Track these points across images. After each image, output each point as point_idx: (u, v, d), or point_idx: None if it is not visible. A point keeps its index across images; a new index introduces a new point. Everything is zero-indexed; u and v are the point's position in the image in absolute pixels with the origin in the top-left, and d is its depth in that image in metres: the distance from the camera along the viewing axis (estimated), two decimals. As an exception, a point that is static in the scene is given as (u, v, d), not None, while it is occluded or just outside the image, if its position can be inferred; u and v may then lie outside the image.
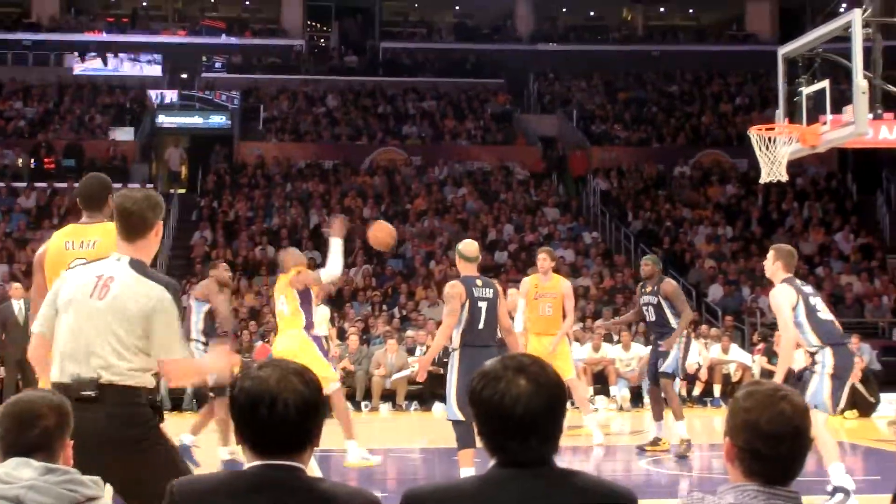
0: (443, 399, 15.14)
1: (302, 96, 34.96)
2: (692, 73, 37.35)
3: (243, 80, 35.86)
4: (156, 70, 36.11)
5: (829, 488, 9.00)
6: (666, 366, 12.71)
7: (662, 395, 13.01)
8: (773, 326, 18.19)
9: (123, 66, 35.99)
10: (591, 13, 42.19)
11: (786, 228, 27.98)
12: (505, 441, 2.95)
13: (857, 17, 11.11)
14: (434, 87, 35.97)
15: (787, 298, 9.32)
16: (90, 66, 35.67)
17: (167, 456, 4.75)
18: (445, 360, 14.12)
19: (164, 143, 33.32)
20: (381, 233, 10.52)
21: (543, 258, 13.26)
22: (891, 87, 11.66)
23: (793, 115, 12.21)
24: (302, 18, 39.43)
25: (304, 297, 10.65)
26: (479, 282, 9.54)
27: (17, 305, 15.93)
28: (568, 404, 12.13)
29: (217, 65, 36.85)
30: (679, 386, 13.73)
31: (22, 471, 3.43)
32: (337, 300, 22.39)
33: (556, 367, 11.21)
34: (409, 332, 20.96)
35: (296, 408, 3.07)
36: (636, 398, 19.70)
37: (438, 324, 13.57)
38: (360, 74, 37.05)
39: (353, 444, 10.78)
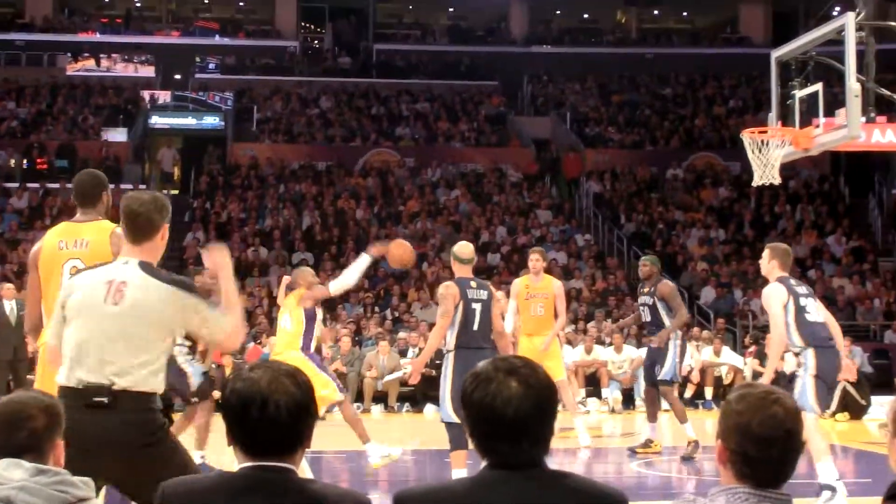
0: (434, 401, 15.14)
1: (295, 97, 34.95)
2: (686, 76, 37.39)
3: (237, 81, 35.84)
4: (149, 71, 36.10)
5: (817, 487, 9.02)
6: (664, 373, 12.68)
7: (662, 398, 13.01)
8: (764, 329, 18.20)
9: (117, 67, 35.96)
10: (585, 16, 42.22)
11: (778, 231, 28.01)
12: (496, 443, 2.95)
13: (850, 20, 11.12)
14: (428, 89, 35.98)
15: (778, 297, 9.38)
16: (83, 67, 35.64)
17: (181, 457, 4.75)
18: (438, 361, 14.14)
19: (157, 143, 33.28)
20: (399, 250, 10.47)
21: (536, 259, 13.24)
22: (884, 91, 11.67)
23: (786, 118, 12.22)
24: (296, 20, 39.42)
25: (310, 318, 10.70)
26: (473, 283, 9.53)
27: (9, 306, 15.87)
28: (560, 406, 12.11)
29: (210, 66, 36.84)
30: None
31: (13, 472, 3.42)
32: (329, 302, 22.36)
33: (547, 367, 11.17)
34: (402, 334, 20.95)
35: (287, 409, 3.07)
36: (628, 400, 19.71)
37: (431, 325, 13.59)
38: (354, 76, 37.06)
39: (371, 445, 10.76)
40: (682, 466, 12.35)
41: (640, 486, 11.13)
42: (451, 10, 41.45)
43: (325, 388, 10.32)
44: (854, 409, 17.54)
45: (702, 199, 30.08)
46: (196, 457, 10.93)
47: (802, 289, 9.64)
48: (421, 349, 17.01)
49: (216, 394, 11.52)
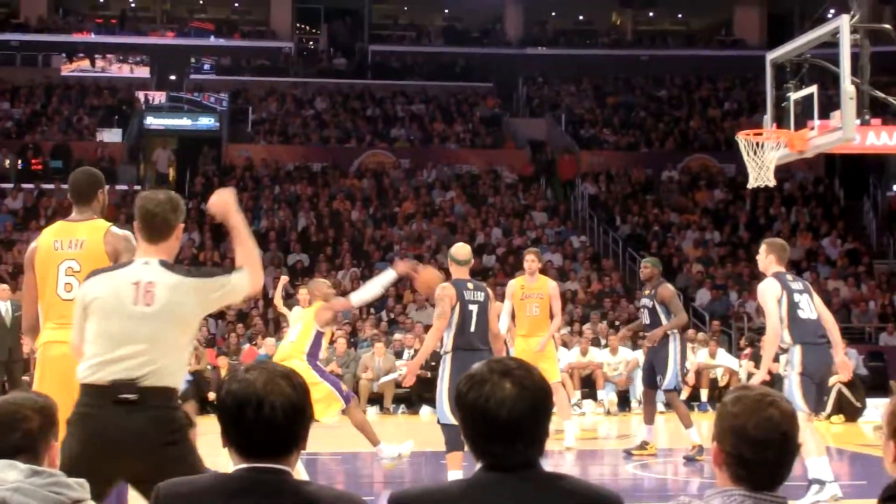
0: (430, 402, 15.15)
1: (290, 98, 34.93)
2: (681, 78, 37.40)
3: (232, 81, 35.81)
4: (144, 71, 36.05)
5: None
6: (668, 383, 12.66)
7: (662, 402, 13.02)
8: (759, 331, 18.22)
9: (112, 68, 35.92)
10: (581, 17, 42.23)
11: (773, 233, 27.98)
12: (490, 444, 2.95)
13: (844, 22, 11.14)
14: (423, 91, 35.97)
15: (772, 292, 9.44)
16: (78, 67, 35.60)
17: (195, 458, 4.78)
18: (434, 363, 14.14)
19: (152, 144, 33.24)
20: (430, 276, 10.42)
21: (531, 259, 13.24)
22: (878, 93, 11.69)
23: (781, 121, 12.23)
24: (291, 20, 39.40)
25: (320, 331, 10.72)
26: (470, 285, 9.53)
27: (4, 307, 15.84)
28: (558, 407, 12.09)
29: (206, 66, 36.80)
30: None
31: (7, 473, 3.41)
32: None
33: (542, 369, 11.17)
34: (397, 336, 20.95)
35: (283, 410, 3.07)
36: (623, 402, 19.72)
37: (427, 327, 13.59)
38: (349, 77, 37.05)
39: (382, 446, 10.76)
40: (677, 468, 12.36)
41: (636, 488, 11.14)
42: (446, 11, 41.44)
43: (324, 402, 10.36)
44: (849, 411, 17.56)
45: (697, 201, 30.10)
46: None
47: (798, 285, 9.65)
48: (416, 350, 17.01)
49: (211, 395, 11.53)
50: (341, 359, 19.56)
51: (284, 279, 17.48)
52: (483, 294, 9.51)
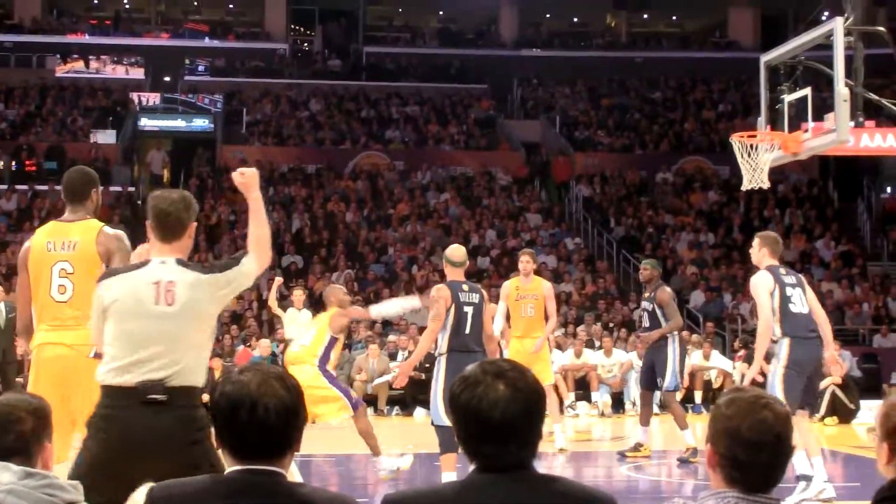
0: (424, 404, 15.14)
1: (285, 100, 34.92)
2: (675, 80, 37.43)
3: (226, 83, 35.80)
4: (138, 73, 36.03)
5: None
6: (667, 384, 12.65)
7: (660, 402, 13.01)
8: (753, 333, 18.22)
9: (106, 69, 35.90)
10: (575, 19, 42.27)
11: (767, 235, 27.99)
12: (483, 445, 2.95)
13: (838, 25, 11.14)
14: (417, 92, 35.98)
15: (765, 285, 9.50)
16: (72, 69, 35.57)
17: (216, 458, 4.77)
18: (427, 365, 14.14)
19: (147, 145, 33.23)
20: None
21: (526, 260, 13.24)
22: (872, 96, 11.70)
23: (775, 123, 12.23)
24: (285, 22, 39.40)
25: (333, 338, 10.74)
26: (465, 286, 9.52)
27: (-3, 307, 15.79)
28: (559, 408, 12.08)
29: (200, 68, 36.78)
30: (660, 394, 13.71)
31: (1, 475, 3.41)
32: (319, 305, 22.33)
33: (536, 371, 11.17)
34: (391, 337, 20.94)
35: (276, 412, 3.07)
36: (617, 404, 19.72)
37: (421, 329, 13.59)
38: (344, 79, 37.05)
39: (382, 458, 10.77)
40: (671, 470, 12.36)
41: (630, 489, 11.14)
42: (440, 13, 41.47)
43: (333, 405, 10.43)
44: (843, 413, 17.56)
45: (691, 203, 30.12)
46: None
47: (791, 279, 9.69)
48: (411, 352, 17.01)
49: (205, 397, 11.49)
50: (335, 360, 19.51)
51: (278, 281, 17.52)
52: (478, 296, 9.50)
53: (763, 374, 9.76)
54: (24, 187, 28.27)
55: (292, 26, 40.41)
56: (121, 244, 6.16)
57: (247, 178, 5.13)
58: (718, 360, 20.31)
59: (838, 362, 10.04)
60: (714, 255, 27.26)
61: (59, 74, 35.19)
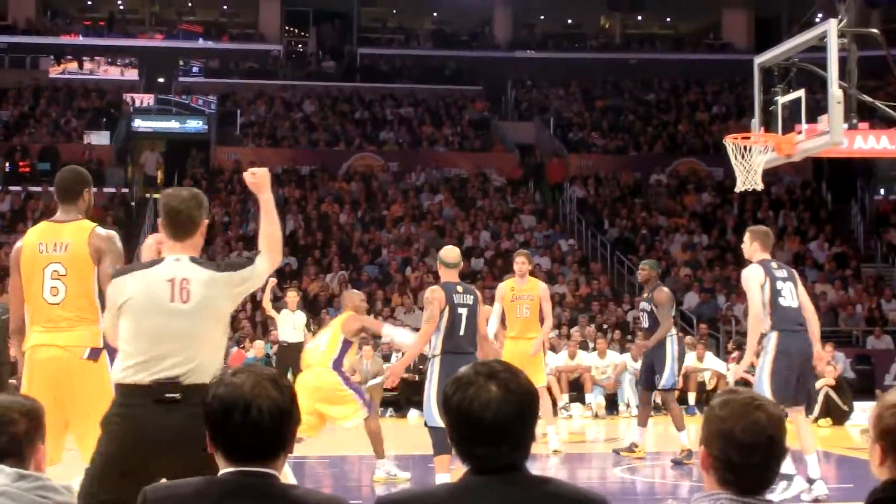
0: (418, 406, 15.14)
1: (279, 101, 34.91)
2: (669, 82, 37.47)
3: (220, 84, 35.77)
4: (132, 74, 36.00)
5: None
6: (665, 382, 12.64)
7: (658, 402, 13.00)
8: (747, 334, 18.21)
9: (100, 70, 35.86)
10: (569, 21, 42.28)
11: (761, 237, 28.00)
12: (476, 447, 2.94)
13: (832, 27, 11.16)
14: (412, 94, 35.99)
15: (756, 277, 9.56)
16: (66, 70, 35.53)
17: None
18: (422, 367, 14.13)
19: (141, 147, 33.21)
20: None
21: (522, 261, 13.24)
22: (866, 97, 11.72)
23: (768, 125, 12.25)
24: (280, 23, 39.38)
25: (346, 343, 10.76)
26: (459, 288, 9.50)
27: (-9, 309, 15.74)
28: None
29: (194, 69, 36.76)
30: (654, 395, 13.70)
31: (-7, 477, 3.40)
32: (313, 306, 22.36)
33: (529, 372, 11.12)
34: (385, 339, 20.91)
35: (269, 414, 3.06)
36: (611, 405, 19.72)
37: (415, 330, 13.55)
38: (338, 80, 37.05)
39: (382, 462, 10.78)
40: (665, 472, 12.36)
41: (624, 491, 11.15)
42: (434, 14, 41.46)
43: (348, 406, 10.46)
44: (836, 414, 17.58)
45: (685, 205, 30.14)
46: None
47: (782, 272, 9.73)
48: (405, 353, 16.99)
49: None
50: (329, 362, 19.50)
51: (272, 282, 17.50)
52: (472, 297, 9.49)
53: (753, 367, 9.80)
54: (18, 188, 28.24)
55: (286, 28, 40.40)
56: (112, 245, 6.14)
57: (258, 178, 5.20)
58: (712, 362, 20.32)
59: (824, 358, 10.07)
60: (708, 257, 27.28)
61: (53, 75, 35.16)
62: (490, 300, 14.10)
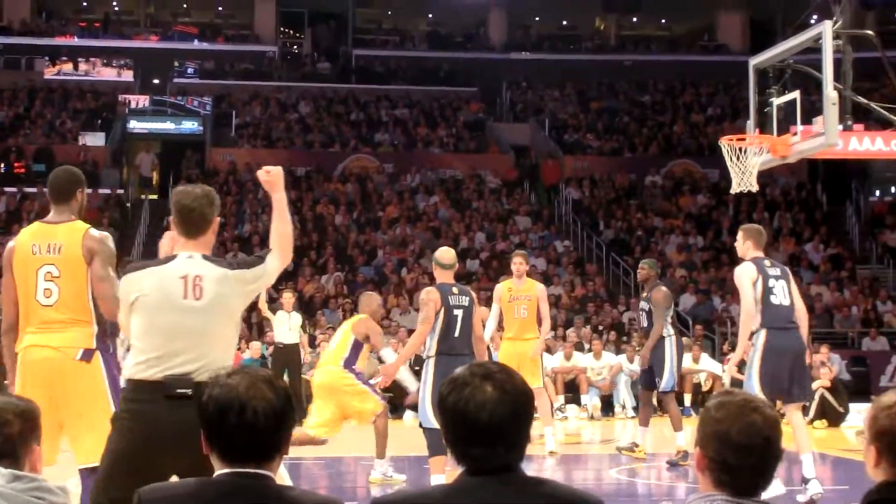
0: (413, 407, 15.14)
1: (274, 103, 34.90)
2: (664, 83, 37.49)
3: (215, 85, 35.75)
4: (127, 75, 35.98)
5: None
6: (664, 384, 12.62)
7: (656, 401, 12.99)
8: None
9: (95, 71, 35.83)
10: (564, 22, 42.31)
11: (756, 238, 28.00)
12: (471, 447, 2.94)
13: (827, 28, 11.17)
14: (407, 95, 35.98)
15: (748, 274, 9.61)
16: (61, 71, 35.50)
17: None
18: (417, 368, 14.12)
19: (136, 148, 33.19)
20: None
21: (519, 262, 13.24)
22: (861, 99, 11.72)
23: (763, 126, 12.26)
24: (275, 25, 39.37)
25: (358, 343, 10.82)
26: (455, 289, 9.50)
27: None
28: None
29: (189, 70, 36.74)
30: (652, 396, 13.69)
31: (-12, 478, 3.39)
32: (308, 308, 22.34)
33: (526, 373, 11.14)
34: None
35: (265, 415, 3.06)
36: (607, 407, 19.72)
37: (411, 332, 13.59)
38: (333, 81, 37.05)
39: (380, 462, 10.79)
40: (661, 473, 12.36)
41: (619, 492, 11.14)
42: (430, 16, 41.47)
43: (367, 402, 10.55)
44: (832, 416, 17.59)
45: (680, 206, 30.15)
46: None
47: (775, 270, 9.77)
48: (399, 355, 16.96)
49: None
50: (325, 363, 19.49)
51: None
52: (468, 298, 9.49)
53: (744, 362, 9.83)
54: (13, 189, 28.22)
55: (282, 29, 40.39)
56: (104, 246, 6.13)
57: (272, 177, 5.26)
58: (708, 363, 20.34)
59: (809, 355, 10.11)
60: (703, 258, 27.29)
61: (48, 76, 35.13)
62: (485, 302, 14.10)
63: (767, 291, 9.54)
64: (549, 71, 37.38)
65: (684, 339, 20.94)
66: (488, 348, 12.27)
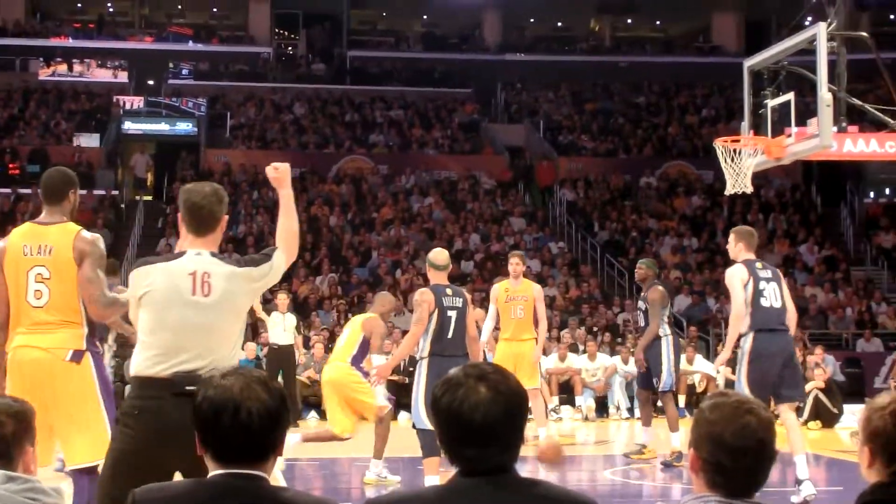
0: (407, 408, 15.16)
1: (269, 104, 34.88)
2: (659, 85, 37.51)
3: (210, 87, 35.73)
4: (122, 76, 35.94)
5: None
6: (663, 384, 12.62)
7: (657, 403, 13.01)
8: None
9: (89, 72, 35.79)
10: (559, 24, 42.33)
11: (751, 240, 28.02)
12: (465, 448, 2.94)
13: (821, 30, 11.18)
14: (401, 96, 35.99)
15: (739, 277, 9.68)
16: (56, 72, 35.46)
17: None
18: (411, 369, 14.12)
19: (130, 149, 33.15)
20: (552, 453, 10.21)
21: (516, 262, 13.26)
22: (855, 101, 11.74)
23: (758, 128, 12.27)
24: (269, 26, 39.35)
25: (365, 340, 10.87)
26: (448, 290, 9.51)
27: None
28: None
29: (184, 71, 36.71)
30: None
31: (-18, 479, 3.38)
32: (303, 309, 22.33)
33: (524, 373, 11.12)
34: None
35: (259, 416, 3.06)
36: (601, 408, 19.72)
37: (405, 333, 13.58)
38: (328, 82, 37.04)
39: (376, 462, 10.80)
40: (655, 474, 12.36)
41: (613, 493, 11.14)
42: (424, 17, 41.48)
43: (373, 398, 10.67)
44: (826, 417, 17.61)
45: (675, 208, 30.17)
46: None
47: (766, 272, 9.81)
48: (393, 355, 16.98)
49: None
50: (319, 364, 19.45)
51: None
52: (461, 300, 9.50)
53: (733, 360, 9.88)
54: (7, 190, 28.19)
55: (276, 30, 40.37)
56: (94, 248, 6.12)
57: (280, 173, 5.21)
58: (702, 365, 20.33)
59: (800, 350, 10.16)
60: (698, 260, 27.32)
61: (43, 77, 35.08)
62: (480, 303, 14.11)
63: (758, 293, 9.58)
64: (544, 72, 37.40)
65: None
66: (483, 351, 12.26)
